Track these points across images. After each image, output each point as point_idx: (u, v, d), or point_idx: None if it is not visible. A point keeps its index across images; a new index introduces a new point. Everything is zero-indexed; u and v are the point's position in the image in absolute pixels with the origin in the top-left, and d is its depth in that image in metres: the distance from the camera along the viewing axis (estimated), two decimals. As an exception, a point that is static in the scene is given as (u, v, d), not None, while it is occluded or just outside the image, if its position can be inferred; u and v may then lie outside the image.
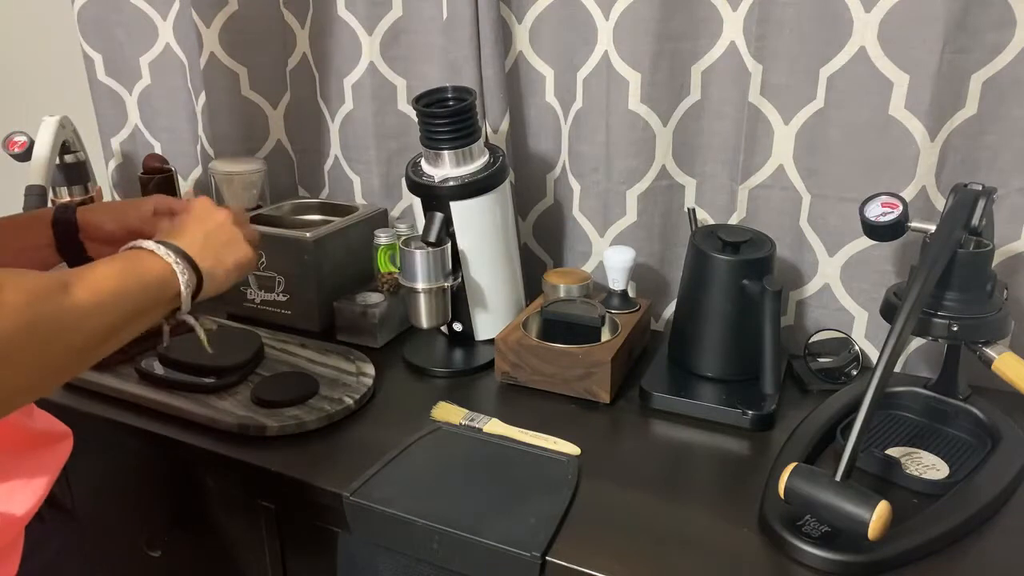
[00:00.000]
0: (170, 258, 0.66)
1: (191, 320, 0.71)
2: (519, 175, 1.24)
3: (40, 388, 0.56)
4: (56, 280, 0.57)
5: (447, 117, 1.01)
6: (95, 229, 0.82)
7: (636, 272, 1.14)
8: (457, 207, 1.03)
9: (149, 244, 0.66)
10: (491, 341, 1.06)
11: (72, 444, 0.73)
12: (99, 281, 0.60)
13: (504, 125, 1.19)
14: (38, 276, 0.56)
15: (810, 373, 1.03)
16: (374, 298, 1.15)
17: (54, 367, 0.56)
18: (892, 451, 0.88)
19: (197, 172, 1.51)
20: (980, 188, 0.84)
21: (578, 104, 1.14)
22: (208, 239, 0.72)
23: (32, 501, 0.65)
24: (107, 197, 1.54)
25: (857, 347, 1.05)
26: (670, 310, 1.20)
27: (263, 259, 1.15)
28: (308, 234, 1.14)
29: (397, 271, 1.05)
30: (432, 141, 1.02)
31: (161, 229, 0.73)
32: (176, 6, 1.41)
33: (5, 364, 0.51)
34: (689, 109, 1.10)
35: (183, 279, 0.67)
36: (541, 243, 1.28)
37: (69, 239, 0.82)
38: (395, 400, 1.00)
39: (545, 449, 0.88)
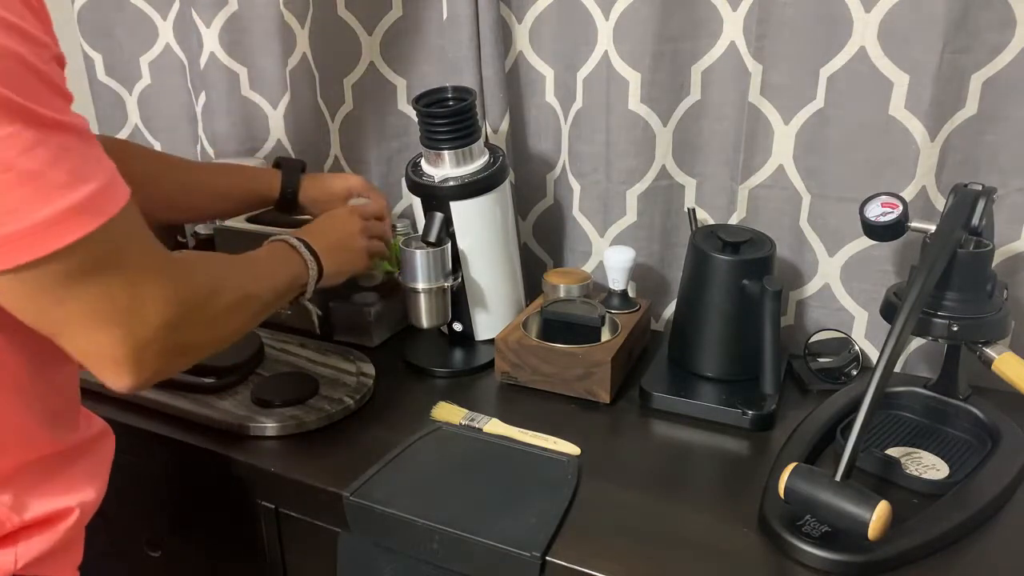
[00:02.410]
0: (312, 266, 0.85)
1: (309, 305, 0.90)
2: (519, 175, 1.24)
3: (232, 339, 0.73)
4: (250, 262, 0.81)
5: (447, 117, 1.01)
6: (303, 210, 1.07)
7: (636, 272, 1.14)
8: (457, 207, 1.03)
9: (300, 247, 0.85)
10: (491, 341, 1.06)
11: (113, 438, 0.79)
12: (269, 270, 0.82)
13: (504, 125, 1.19)
14: (243, 259, 0.80)
15: (810, 373, 1.03)
16: (370, 297, 1.15)
17: (245, 324, 0.75)
18: (892, 451, 0.88)
19: (197, 172, 1.51)
20: (980, 188, 0.84)
21: (578, 104, 1.14)
22: (337, 245, 0.91)
23: (97, 492, 0.72)
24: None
25: (857, 347, 1.05)
26: (670, 310, 1.20)
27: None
28: (308, 234, 1.14)
29: (396, 272, 1.05)
30: (432, 141, 1.02)
31: (308, 230, 0.91)
32: (176, 6, 1.41)
33: (229, 316, 0.71)
34: (689, 109, 1.09)
35: (312, 280, 0.86)
36: (541, 243, 1.28)
37: (288, 205, 1.06)
38: (395, 400, 1.00)
39: (545, 449, 0.88)
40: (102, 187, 0.55)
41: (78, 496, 0.69)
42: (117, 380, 0.60)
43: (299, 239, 0.86)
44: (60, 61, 0.55)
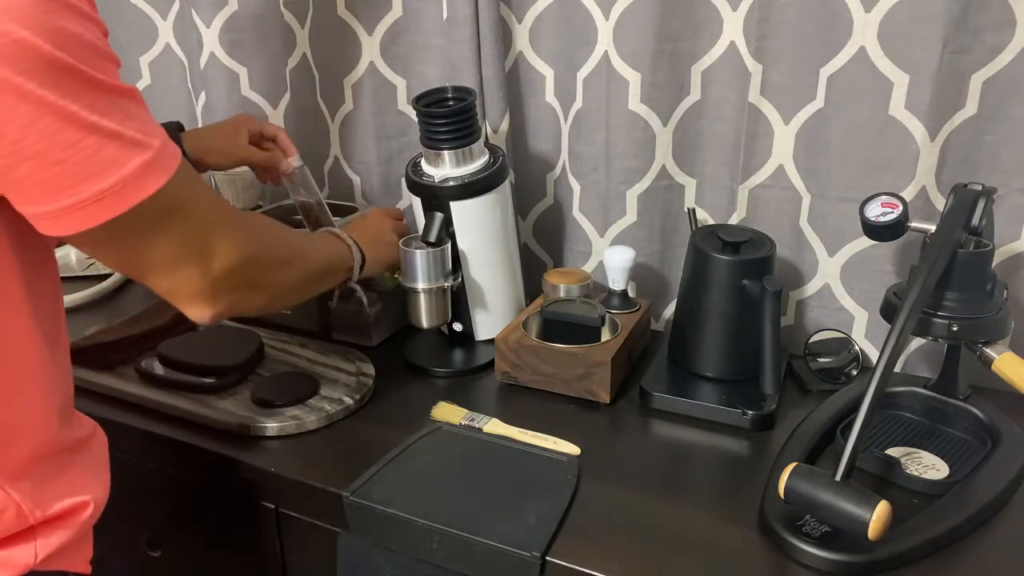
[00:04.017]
0: (355, 251, 0.94)
1: (357, 288, 1.01)
2: (519, 175, 1.24)
3: (290, 295, 0.85)
4: (301, 232, 0.94)
5: (447, 117, 1.01)
6: (201, 163, 1.06)
7: (636, 272, 1.14)
8: (457, 207, 1.03)
9: (343, 235, 0.95)
10: (491, 341, 1.06)
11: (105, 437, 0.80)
12: (319, 241, 0.93)
13: (504, 125, 1.19)
14: (294, 229, 0.89)
15: (810, 373, 1.03)
16: (370, 297, 1.15)
17: (300, 284, 0.85)
18: (892, 451, 0.88)
19: (197, 172, 1.51)
20: (980, 188, 0.84)
21: (578, 104, 1.14)
22: (376, 239, 0.99)
23: (104, 488, 0.74)
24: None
25: (857, 347, 1.05)
26: (670, 310, 1.20)
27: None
28: (308, 234, 1.14)
29: (396, 275, 1.05)
30: (432, 141, 1.02)
31: (347, 228, 0.99)
32: (176, 6, 1.41)
33: (287, 266, 0.81)
34: (689, 109, 1.09)
35: (356, 263, 0.94)
36: (541, 243, 1.28)
37: None
38: (395, 400, 1.00)
39: (545, 449, 0.88)
40: (163, 143, 0.61)
41: (90, 491, 0.70)
42: (197, 312, 0.69)
43: (350, 237, 0.96)
44: (105, 32, 0.60)
